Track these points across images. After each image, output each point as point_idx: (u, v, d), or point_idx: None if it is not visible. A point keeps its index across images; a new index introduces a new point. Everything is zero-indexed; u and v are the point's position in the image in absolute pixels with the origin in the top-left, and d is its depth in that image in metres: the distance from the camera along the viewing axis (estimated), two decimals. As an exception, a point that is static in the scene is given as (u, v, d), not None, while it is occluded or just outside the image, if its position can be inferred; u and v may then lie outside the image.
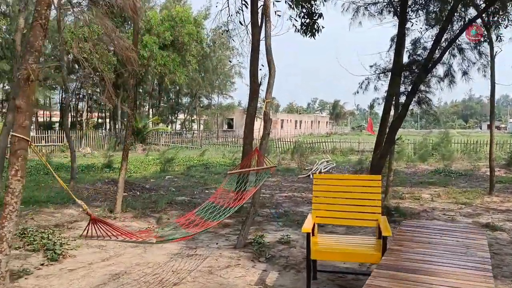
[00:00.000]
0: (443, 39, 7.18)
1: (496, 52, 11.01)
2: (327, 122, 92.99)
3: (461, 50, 8.20)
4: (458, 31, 7.59)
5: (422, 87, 7.78)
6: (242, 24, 8.59)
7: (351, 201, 4.61)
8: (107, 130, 37.27)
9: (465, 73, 8.53)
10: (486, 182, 12.35)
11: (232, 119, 54.89)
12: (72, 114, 38.18)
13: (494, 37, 10.49)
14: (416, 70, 7.44)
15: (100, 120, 38.49)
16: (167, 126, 49.37)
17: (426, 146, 23.26)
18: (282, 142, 29.63)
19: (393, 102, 8.54)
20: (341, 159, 22.45)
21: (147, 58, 29.58)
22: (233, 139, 37.34)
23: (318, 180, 4.78)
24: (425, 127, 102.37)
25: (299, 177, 15.25)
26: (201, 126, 54.61)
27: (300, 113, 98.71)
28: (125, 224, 7.29)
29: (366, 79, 8.42)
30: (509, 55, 11.26)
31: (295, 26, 9.30)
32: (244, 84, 53.22)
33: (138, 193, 10.82)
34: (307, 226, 4.14)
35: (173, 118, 51.61)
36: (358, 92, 8.65)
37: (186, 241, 5.98)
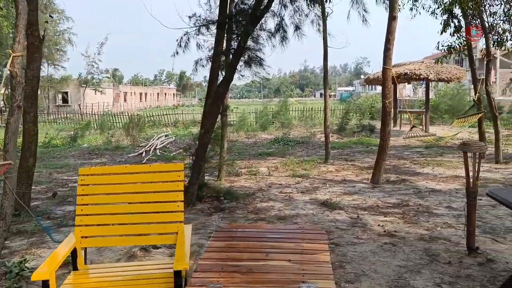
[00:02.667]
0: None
1: (328, 13, 10.49)
2: (174, 94, 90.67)
3: (293, -1, 7.10)
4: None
5: (252, 44, 6.49)
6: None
7: (136, 207, 2.94)
8: None
9: (297, 27, 7.52)
10: (322, 149, 12.10)
11: (66, 93, 49.21)
12: None
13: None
14: (243, 21, 6.06)
15: None
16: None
17: (267, 115, 23.14)
18: (118, 116, 26.65)
19: (222, 64, 7.11)
20: (182, 132, 20.87)
21: None
22: (69, 114, 32.64)
23: (86, 178, 2.97)
24: (267, 96, 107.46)
25: (129, 156, 13.14)
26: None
27: (146, 85, 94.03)
28: None
29: (185, 34, 6.77)
30: (338, 19, 10.88)
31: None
32: (78, 53, 47.21)
33: None
34: (45, 268, 2.33)
35: (-13, 92, 43.30)
36: (177, 53, 6.96)
37: None
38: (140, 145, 15.65)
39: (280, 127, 20.03)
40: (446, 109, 19.90)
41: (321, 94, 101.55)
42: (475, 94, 10.01)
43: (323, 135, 11.18)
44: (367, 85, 44.87)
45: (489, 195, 3.16)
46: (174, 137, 17.42)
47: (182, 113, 28.71)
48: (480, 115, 9.25)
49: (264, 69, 6.45)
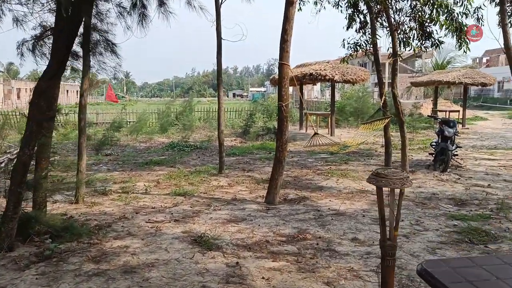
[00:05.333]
0: None
1: (221, 1, 9.06)
2: (77, 91, 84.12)
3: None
4: None
5: (97, 23, 4.73)
6: None
7: None
8: None
9: (162, 2, 5.82)
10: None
11: None
12: None
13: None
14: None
15: None
16: None
17: (168, 116, 21.14)
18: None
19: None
20: (71, 134, 18.15)
21: None
22: None
23: None
24: (182, 96, 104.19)
25: (-18, 167, 10.47)
26: None
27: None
28: None
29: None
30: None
31: None
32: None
33: None
34: None
35: None
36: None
37: None
38: (8, 151, 12.88)
39: (182, 129, 18.19)
40: (351, 112, 19.55)
41: (234, 95, 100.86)
42: (380, 97, 9.18)
43: (225, 139, 9.66)
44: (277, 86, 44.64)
45: (422, 275, 1.80)
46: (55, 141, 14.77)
47: (74, 113, 25.47)
48: (387, 120, 8.38)
49: (118, 57, 4.69)
